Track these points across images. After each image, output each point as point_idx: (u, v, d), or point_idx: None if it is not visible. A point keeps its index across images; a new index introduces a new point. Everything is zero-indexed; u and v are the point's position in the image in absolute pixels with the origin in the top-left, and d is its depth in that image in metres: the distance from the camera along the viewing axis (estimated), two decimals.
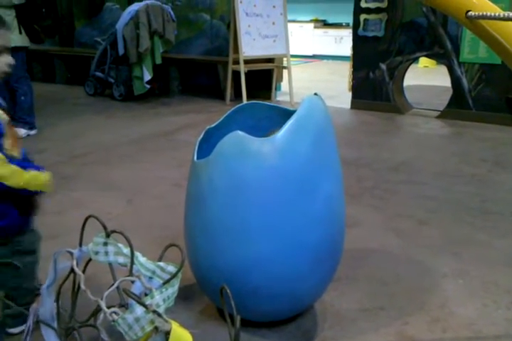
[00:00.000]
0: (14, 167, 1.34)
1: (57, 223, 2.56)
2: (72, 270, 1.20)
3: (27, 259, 1.54)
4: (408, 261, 2.17)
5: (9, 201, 1.41)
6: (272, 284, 1.47)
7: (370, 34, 5.26)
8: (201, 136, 1.70)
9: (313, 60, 11.38)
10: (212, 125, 1.77)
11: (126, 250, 1.16)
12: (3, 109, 1.40)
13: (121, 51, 5.54)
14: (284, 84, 6.37)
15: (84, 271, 1.19)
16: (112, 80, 5.98)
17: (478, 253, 2.23)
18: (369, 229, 2.49)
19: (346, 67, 7.23)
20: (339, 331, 1.67)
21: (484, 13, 1.25)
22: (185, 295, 1.83)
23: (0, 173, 1.31)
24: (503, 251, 2.24)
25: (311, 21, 11.65)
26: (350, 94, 5.73)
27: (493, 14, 1.23)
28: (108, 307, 1.06)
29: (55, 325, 1.27)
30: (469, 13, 1.29)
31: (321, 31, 11.46)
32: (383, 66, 5.28)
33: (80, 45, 7.43)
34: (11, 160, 1.36)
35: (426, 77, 8.19)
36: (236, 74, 5.64)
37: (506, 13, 1.23)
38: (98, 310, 1.12)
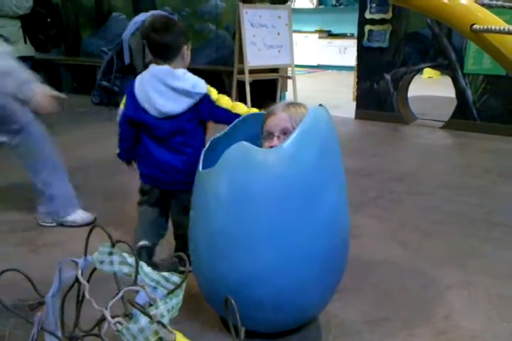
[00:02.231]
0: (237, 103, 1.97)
1: (62, 232, 2.57)
2: (76, 279, 1.20)
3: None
4: (413, 272, 2.16)
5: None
6: (277, 295, 1.47)
7: (375, 45, 5.29)
8: (206, 145, 1.71)
9: (318, 70, 11.42)
10: (218, 135, 1.78)
11: (131, 260, 1.16)
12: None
13: (127, 61, 5.58)
14: (289, 94, 6.40)
15: (88, 281, 1.20)
16: (118, 89, 6.01)
17: (483, 265, 2.22)
18: (373, 240, 2.48)
19: (351, 78, 7.25)
20: None
21: (489, 27, 1.26)
22: (189, 306, 1.82)
23: (237, 108, 1.94)
24: (508, 263, 2.23)
25: (315, 32, 11.70)
26: (354, 104, 5.74)
27: (497, 28, 1.24)
28: (112, 317, 1.06)
29: (59, 334, 1.27)
30: (474, 26, 1.30)
31: (325, 41, 11.51)
32: (388, 76, 5.29)
33: (86, 55, 7.50)
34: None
35: (430, 87, 8.20)
36: (241, 84, 5.67)
37: (511, 27, 1.24)
38: (102, 319, 1.12)
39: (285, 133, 1.61)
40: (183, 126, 1.91)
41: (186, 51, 1.98)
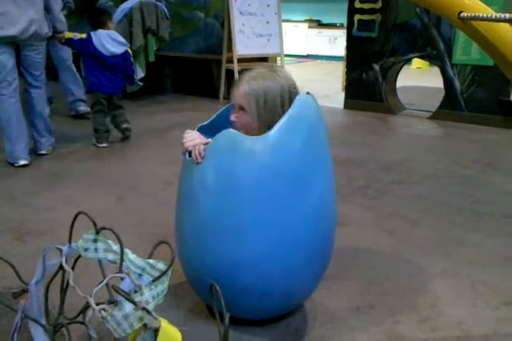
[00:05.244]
0: None
1: (47, 220, 2.55)
2: (61, 266, 1.19)
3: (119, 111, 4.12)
4: (399, 261, 2.17)
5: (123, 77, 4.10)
6: (263, 282, 1.47)
7: (364, 34, 5.27)
8: None
9: (307, 60, 11.39)
10: (205, 123, 1.77)
11: (116, 247, 1.15)
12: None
13: None
14: None
15: (73, 268, 1.19)
16: None
17: (469, 253, 2.24)
18: (360, 229, 2.49)
19: (340, 68, 7.24)
20: (329, 329, 1.68)
21: (476, 15, 1.25)
22: (175, 293, 1.82)
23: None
24: (494, 252, 2.26)
25: (305, 21, 11.65)
26: (343, 94, 5.74)
27: (485, 15, 1.24)
28: (97, 304, 1.05)
29: (43, 321, 1.26)
30: (462, 14, 1.29)
31: (315, 31, 11.47)
32: (376, 66, 5.29)
33: None
34: None
35: (419, 78, 8.22)
36: (229, 73, 5.64)
37: (498, 15, 1.24)
38: (87, 306, 1.11)
39: (242, 108, 1.56)
40: (119, 61, 3.93)
41: (109, 24, 3.99)
